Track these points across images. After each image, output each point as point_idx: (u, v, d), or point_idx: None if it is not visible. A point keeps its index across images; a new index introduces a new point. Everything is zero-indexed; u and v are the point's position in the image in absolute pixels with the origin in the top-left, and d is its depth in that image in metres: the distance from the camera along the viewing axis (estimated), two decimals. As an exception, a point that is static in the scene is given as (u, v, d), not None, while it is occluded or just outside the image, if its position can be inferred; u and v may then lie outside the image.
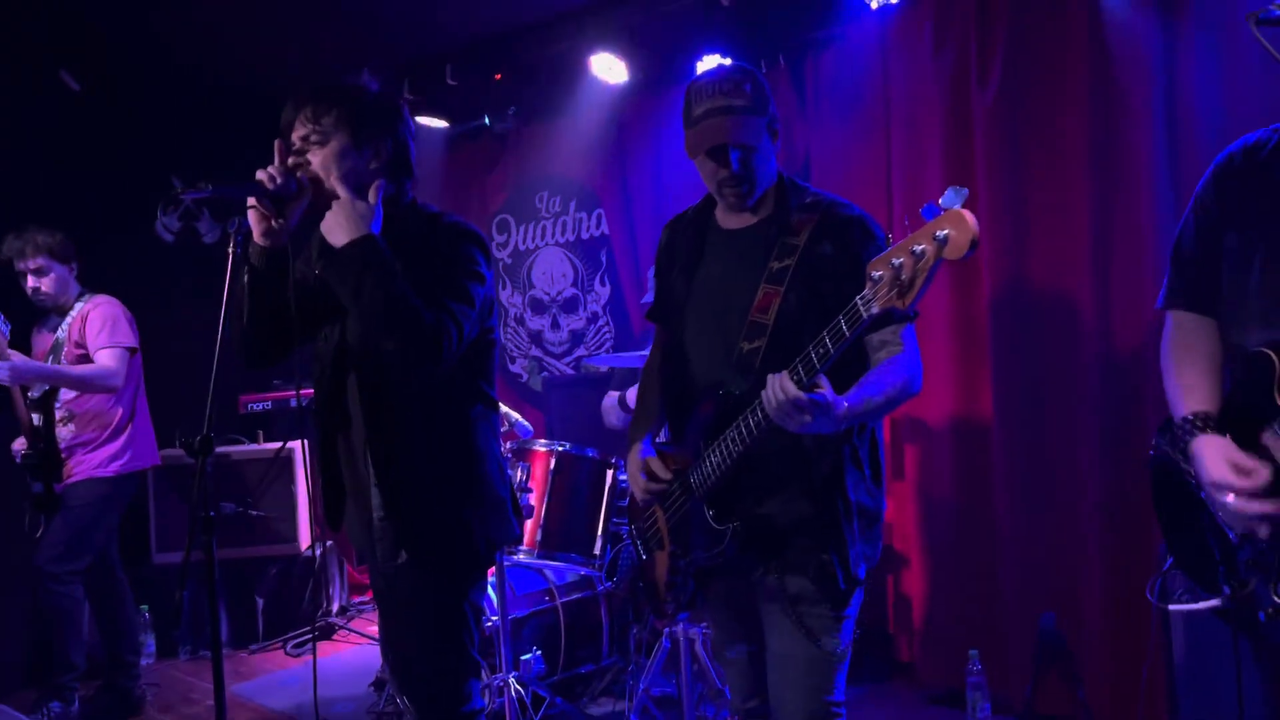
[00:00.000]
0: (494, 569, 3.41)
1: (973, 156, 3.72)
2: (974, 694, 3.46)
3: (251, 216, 2.01)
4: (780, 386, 1.74)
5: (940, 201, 1.56)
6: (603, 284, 5.40)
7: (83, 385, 3.92)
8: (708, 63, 4.26)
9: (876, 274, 1.64)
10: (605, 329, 5.41)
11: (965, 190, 1.56)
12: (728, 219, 2.16)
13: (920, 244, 1.57)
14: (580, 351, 5.51)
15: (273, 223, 2.01)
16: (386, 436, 2.13)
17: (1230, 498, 1.69)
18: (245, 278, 2.06)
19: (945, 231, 1.54)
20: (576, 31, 4.73)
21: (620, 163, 5.17)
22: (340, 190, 2.04)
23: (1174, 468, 1.87)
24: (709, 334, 2.12)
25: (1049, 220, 3.58)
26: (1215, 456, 1.74)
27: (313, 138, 2.08)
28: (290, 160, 2.07)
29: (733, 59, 4.25)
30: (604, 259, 5.37)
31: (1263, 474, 1.66)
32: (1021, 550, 3.62)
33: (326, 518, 2.28)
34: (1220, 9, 3.21)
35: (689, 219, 2.27)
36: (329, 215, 2.04)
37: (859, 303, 1.68)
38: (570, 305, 5.55)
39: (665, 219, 2.37)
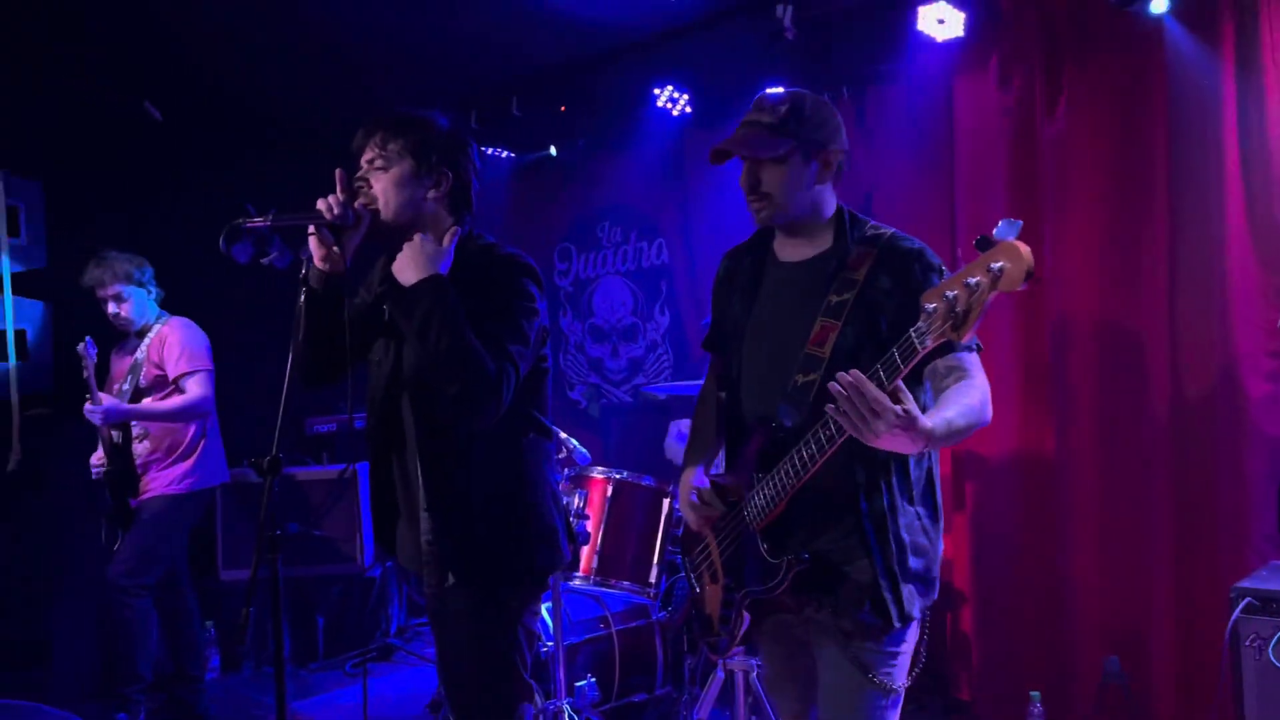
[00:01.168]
0: (550, 594, 3.43)
1: (1039, 189, 3.69)
2: (1035, 736, 3.38)
3: (312, 243, 2.08)
4: (859, 385, 1.66)
5: (994, 233, 1.56)
6: (662, 313, 5.43)
7: (174, 418, 4.05)
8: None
9: (930, 306, 1.63)
10: (664, 357, 5.44)
11: (1019, 222, 1.55)
12: (786, 251, 2.17)
13: (974, 276, 1.56)
14: (639, 379, 5.54)
15: (331, 249, 2.08)
16: (438, 461, 2.17)
17: None
18: (302, 299, 2.13)
19: (1000, 264, 1.53)
20: (640, 63, 4.80)
21: (681, 193, 5.21)
22: (413, 232, 2.10)
23: None
24: (764, 365, 2.12)
25: (1117, 255, 3.53)
26: None
27: (377, 163, 2.16)
28: (354, 182, 2.15)
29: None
30: (664, 288, 5.41)
31: None
32: (1086, 590, 3.55)
33: (378, 538, 2.33)
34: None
35: (747, 249, 2.28)
36: (400, 256, 2.10)
37: (913, 335, 1.66)
38: (630, 333, 5.59)
39: (725, 249, 2.39)
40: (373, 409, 2.29)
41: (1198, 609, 3.28)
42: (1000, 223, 1.55)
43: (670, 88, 4.79)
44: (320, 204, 2.07)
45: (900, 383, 1.71)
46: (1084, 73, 3.58)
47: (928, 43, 3.90)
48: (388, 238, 2.19)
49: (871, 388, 1.68)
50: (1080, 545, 3.57)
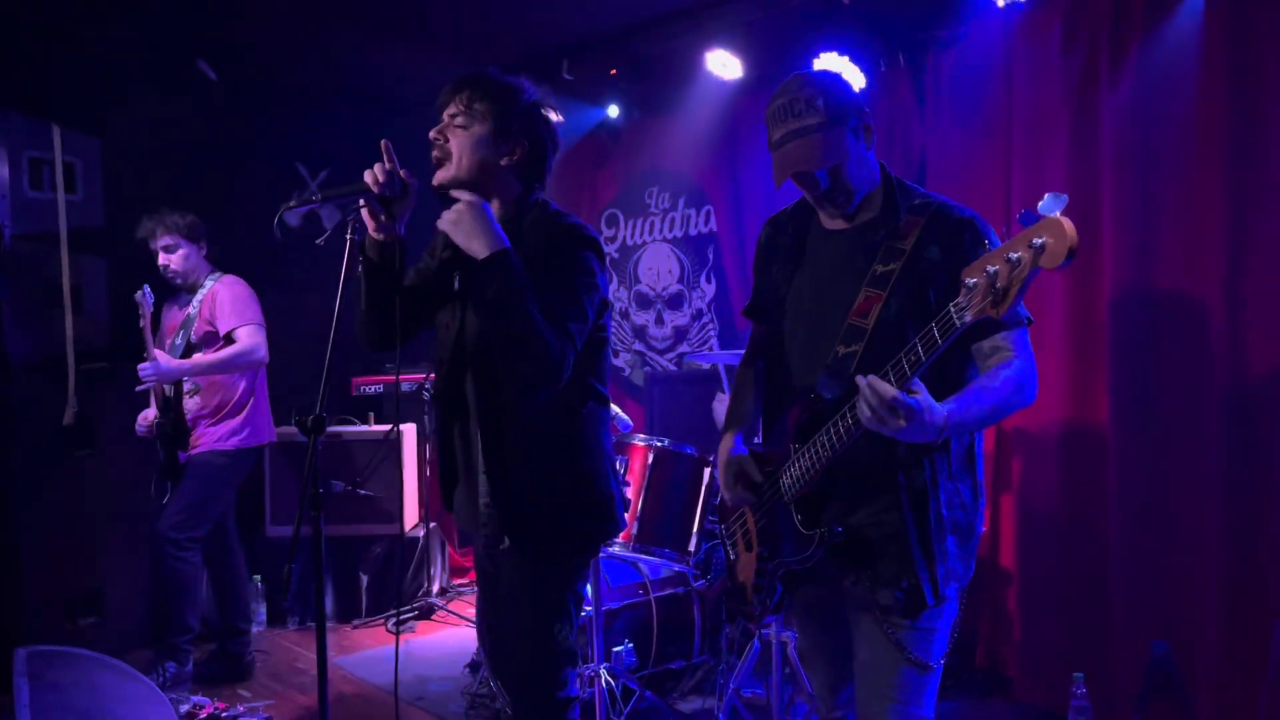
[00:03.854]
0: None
1: (1098, 159, 3.58)
2: (1077, 718, 3.33)
3: (363, 214, 2.09)
4: (873, 387, 1.68)
5: (1039, 207, 1.52)
6: (708, 281, 5.39)
7: (228, 367, 4.12)
8: (825, 60, 4.20)
9: (971, 281, 1.60)
10: (709, 326, 5.41)
11: (1064, 197, 1.52)
12: (831, 220, 2.13)
13: (1016, 251, 1.53)
14: (683, 348, 5.52)
15: (381, 219, 2.08)
16: (497, 427, 2.18)
17: None
18: (360, 268, 2.15)
19: (1042, 239, 1.50)
20: (693, 27, 4.74)
21: (731, 160, 5.15)
22: (464, 195, 2.10)
23: None
24: (805, 336, 2.09)
25: (1180, 226, 3.41)
26: None
27: (458, 119, 2.17)
28: (431, 134, 2.18)
29: (850, 57, 4.20)
30: (711, 256, 5.36)
31: None
32: (1134, 572, 3.48)
33: (442, 497, 2.36)
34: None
35: (790, 216, 2.24)
36: (453, 217, 2.08)
37: (952, 310, 1.64)
38: (675, 301, 5.56)
39: (772, 217, 2.35)
40: (439, 372, 2.31)
41: (1249, 595, 3.20)
42: (1045, 197, 1.52)
43: (722, 52, 4.71)
44: (367, 176, 2.06)
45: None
46: (1153, 38, 3.45)
47: (987, 7, 3.79)
48: (455, 198, 2.19)
49: (885, 387, 1.67)
50: (1129, 526, 3.49)
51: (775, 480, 2.06)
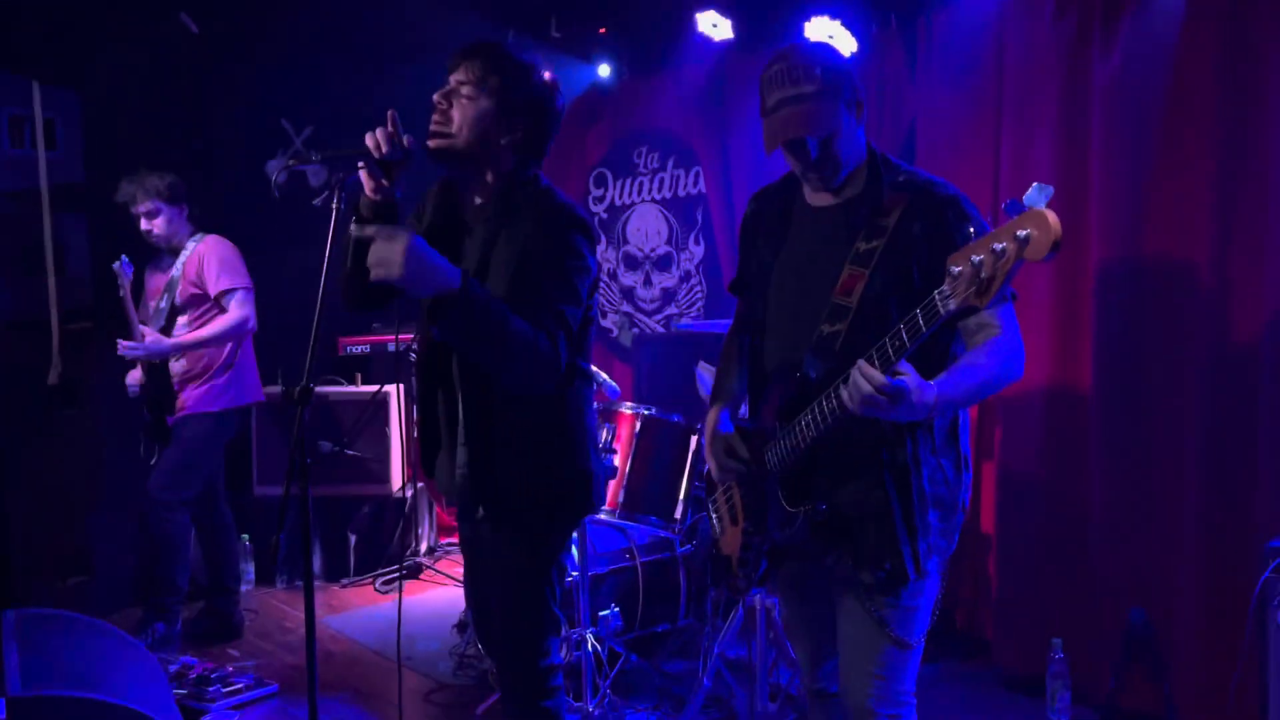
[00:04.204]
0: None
1: (1088, 130, 3.56)
2: (1054, 683, 3.39)
3: (361, 176, 2.07)
4: (862, 372, 1.71)
5: (1024, 198, 1.52)
6: (697, 243, 5.37)
7: (218, 340, 4.09)
8: (816, 23, 4.15)
9: (956, 269, 1.60)
10: (697, 288, 5.40)
11: (1050, 188, 1.52)
12: (816, 196, 2.12)
13: (1001, 242, 1.54)
14: (671, 310, 5.51)
15: (380, 183, 2.06)
16: (482, 401, 2.18)
17: None
18: (353, 229, 2.11)
19: (1026, 231, 1.50)
20: (683, -14, 4.67)
21: (721, 121, 5.10)
22: (390, 234, 1.90)
23: None
24: (790, 313, 2.10)
25: (1168, 198, 3.40)
26: None
27: (465, 89, 2.14)
28: (435, 98, 2.15)
29: (842, 20, 4.14)
30: (699, 217, 5.33)
31: None
32: (1113, 539, 3.52)
33: (422, 463, 2.37)
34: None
35: (776, 191, 2.24)
36: (400, 268, 1.87)
37: (937, 298, 1.65)
38: (663, 263, 5.54)
39: (763, 180, 2.34)
40: (423, 340, 2.30)
41: (1228, 565, 3.24)
42: (1031, 187, 1.52)
43: (713, 11, 4.65)
44: (369, 140, 2.03)
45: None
46: (1141, 9, 3.42)
47: (982, -30, 3.74)
48: (451, 163, 2.18)
49: (873, 373, 1.69)
50: (1109, 491, 3.52)
51: (761, 456, 2.08)
